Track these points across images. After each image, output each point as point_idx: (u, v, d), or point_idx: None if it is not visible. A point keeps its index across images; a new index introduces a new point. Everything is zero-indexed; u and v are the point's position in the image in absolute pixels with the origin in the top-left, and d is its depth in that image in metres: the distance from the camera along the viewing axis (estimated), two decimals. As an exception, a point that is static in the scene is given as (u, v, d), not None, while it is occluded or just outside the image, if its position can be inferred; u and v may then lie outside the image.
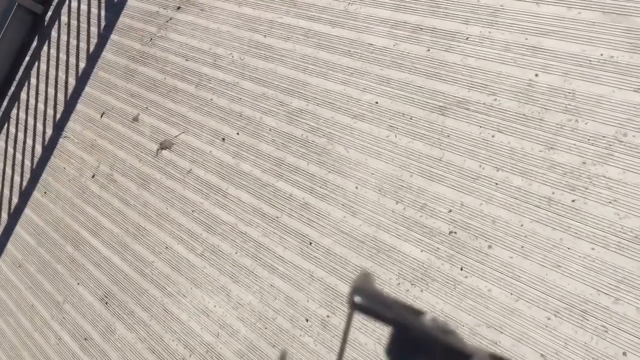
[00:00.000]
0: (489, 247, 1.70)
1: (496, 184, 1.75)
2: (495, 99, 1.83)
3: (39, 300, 3.01)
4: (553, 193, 1.64)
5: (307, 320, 1.99)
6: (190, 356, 2.26)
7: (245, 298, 2.18)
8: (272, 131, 2.35)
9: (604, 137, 1.61)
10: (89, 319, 2.70)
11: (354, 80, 2.18)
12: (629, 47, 1.65)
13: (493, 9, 1.93)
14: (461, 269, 1.73)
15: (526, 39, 1.83)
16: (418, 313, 0.62)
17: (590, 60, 1.70)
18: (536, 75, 1.78)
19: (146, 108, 2.92)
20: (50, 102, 3.55)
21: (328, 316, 1.94)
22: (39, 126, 3.55)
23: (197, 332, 2.26)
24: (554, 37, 1.79)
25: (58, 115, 3.45)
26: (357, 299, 0.63)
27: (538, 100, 1.75)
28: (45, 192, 3.28)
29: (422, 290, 1.78)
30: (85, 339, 2.67)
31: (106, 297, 2.66)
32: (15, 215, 3.42)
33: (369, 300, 0.62)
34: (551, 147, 1.69)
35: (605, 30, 1.70)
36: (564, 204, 1.62)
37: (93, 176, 3.03)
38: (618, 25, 1.68)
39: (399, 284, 1.83)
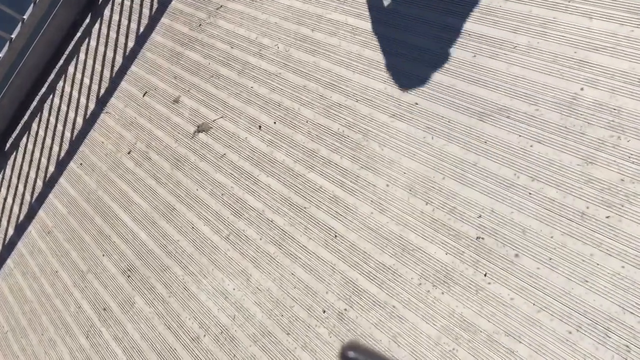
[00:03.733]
0: (516, 255, 1.68)
1: (530, 193, 1.73)
2: (537, 110, 1.81)
3: (63, 268, 3.06)
4: (587, 207, 1.62)
5: (324, 312, 1.99)
6: (204, 336, 2.27)
7: (264, 284, 2.19)
8: (308, 123, 2.36)
9: (645, 156, 1.58)
10: (110, 290, 2.74)
11: (395, 79, 2.18)
12: (681, 68, 1.62)
13: (544, 20, 1.92)
14: (485, 275, 1.71)
15: (575, 52, 1.81)
16: None
17: (639, 79, 1.67)
18: (582, 89, 1.76)
19: (188, 91, 2.96)
20: (96, 78, 3.63)
21: (345, 309, 1.93)
22: (83, 100, 3.63)
23: (214, 313, 2.28)
24: (604, 52, 1.76)
25: (102, 91, 3.52)
26: (351, 353, 0.65)
27: (581, 114, 1.73)
28: (81, 164, 3.35)
29: (443, 293, 1.76)
30: (104, 309, 2.71)
31: (129, 270, 2.70)
32: (50, 184, 3.49)
33: (362, 355, 0.63)
34: (590, 162, 1.66)
35: (657, 51, 1.68)
36: (597, 220, 1.59)
37: (129, 152, 3.08)
38: (671, 47, 1.65)
39: (420, 284, 1.82)
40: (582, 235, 1.60)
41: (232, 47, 2.87)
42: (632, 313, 1.46)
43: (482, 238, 1.76)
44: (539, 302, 1.59)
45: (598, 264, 1.55)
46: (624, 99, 1.67)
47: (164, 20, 3.37)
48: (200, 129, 2.78)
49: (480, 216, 1.79)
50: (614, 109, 1.67)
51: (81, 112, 3.59)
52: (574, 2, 1.88)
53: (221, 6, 3.06)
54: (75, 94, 3.74)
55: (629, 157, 1.60)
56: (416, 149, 2.02)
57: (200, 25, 3.12)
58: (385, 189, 2.04)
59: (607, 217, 1.58)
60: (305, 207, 2.22)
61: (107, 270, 2.81)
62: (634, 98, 1.65)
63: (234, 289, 2.27)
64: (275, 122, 2.48)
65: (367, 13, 2.39)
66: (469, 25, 2.08)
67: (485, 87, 1.95)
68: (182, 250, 2.52)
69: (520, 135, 1.82)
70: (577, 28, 1.84)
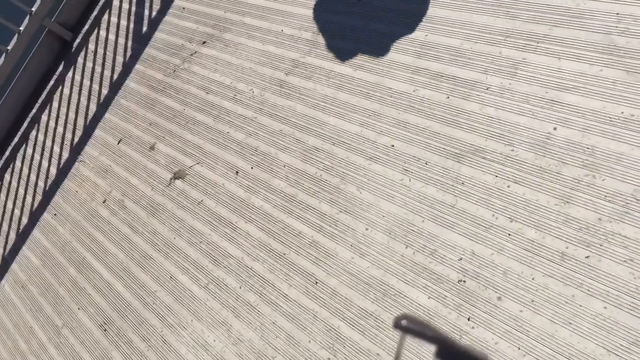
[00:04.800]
0: (499, 298, 1.66)
1: (509, 234, 1.72)
2: (512, 150, 1.82)
3: (38, 323, 2.97)
4: (567, 248, 1.61)
5: (307, 362, 1.94)
6: (184, 391, 2.20)
7: (245, 334, 2.13)
8: (286, 167, 2.35)
9: (621, 194, 1.59)
10: (87, 345, 2.65)
11: (371, 122, 2.18)
12: (650, 106, 1.64)
13: (515, 62, 1.95)
14: (468, 319, 1.69)
15: (546, 92, 1.84)
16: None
17: (610, 118, 1.69)
18: (555, 128, 1.77)
19: (163, 137, 2.94)
20: (70, 126, 3.60)
21: (329, 359, 1.89)
22: (56, 149, 3.58)
23: (194, 366, 2.21)
24: (574, 92, 1.79)
25: (76, 140, 3.48)
26: (404, 322, 0.78)
27: (556, 154, 1.74)
28: (55, 214, 3.29)
29: None
30: (80, 365, 2.62)
31: (105, 323, 2.62)
32: (23, 236, 3.41)
33: (414, 324, 0.76)
34: (567, 202, 1.66)
35: (627, 89, 1.70)
36: (577, 260, 1.59)
37: (104, 201, 3.03)
38: None
39: (403, 330, 1.79)
40: (563, 276, 1.59)
41: (207, 93, 2.87)
42: (616, 355, 1.44)
43: (464, 281, 1.74)
44: (524, 346, 1.57)
45: (580, 305, 1.53)
46: (597, 137, 1.69)
47: (138, 66, 3.37)
48: (177, 175, 2.75)
49: (461, 259, 1.78)
50: (588, 148, 1.69)
51: (55, 161, 3.54)
52: (543, 43, 1.91)
53: (195, 52, 3.07)
54: (48, 142, 3.69)
55: (605, 196, 1.61)
56: (394, 192, 2.02)
57: (174, 71, 3.12)
58: (365, 233, 2.02)
59: (587, 257, 1.57)
60: (284, 254, 2.19)
61: (83, 325, 2.72)
62: (606, 137, 1.67)
63: (214, 341, 2.21)
64: (252, 167, 2.47)
65: (341, 57, 2.41)
66: (441, 68, 2.10)
67: (460, 128, 1.96)
68: (160, 301, 2.46)
69: (496, 176, 1.82)
70: (547, 69, 1.87)
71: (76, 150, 3.43)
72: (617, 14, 1.80)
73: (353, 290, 1.95)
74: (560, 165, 1.72)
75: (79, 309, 2.80)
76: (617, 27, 1.79)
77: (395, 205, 1.99)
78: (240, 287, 2.24)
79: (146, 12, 3.55)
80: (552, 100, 1.82)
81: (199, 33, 3.12)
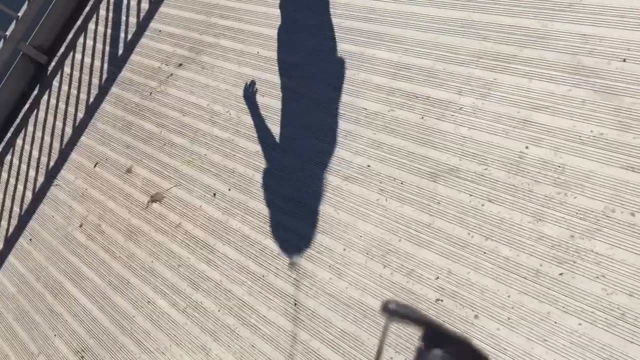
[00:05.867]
0: (475, 317, 1.67)
1: (484, 253, 1.74)
2: (486, 169, 1.85)
3: (13, 351, 2.91)
4: (541, 265, 1.63)
5: (286, 385, 1.93)
6: (163, 417, 2.17)
7: (225, 358, 2.12)
8: (263, 189, 2.35)
9: (592, 211, 1.62)
10: (63, 372, 2.61)
11: (346, 142, 2.20)
12: (618, 125, 1.68)
13: (486, 82, 1.98)
14: (447, 339, 1.70)
15: (518, 112, 1.87)
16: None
17: (580, 136, 1.73)
18: (527, 147, 1.80)
19: (140, 160, 2.92)
20: (45, 150, 3.56)
21: (309, 381, 1.88)
22: (32, 173, 3.54)
23: (173, 391, 2.19)
24: (545, 112, 1.82)
25: (51, 163, 3.45)
26: (392, 305, 0.95)
27: (528, 172, 1.77)
28: (30, 240, 3.24)
29: (406, 359, 1.74)
30: (57, 393, 2.58)
31: (82, 350, 2.58)
32: (-2, 261, 3.36)
33: (402, 309, 0.90)
34: (540, 219, 1.69)
35: (595, 108, 1.74)
36: (551, 277, 1.61)
37: (81, 225, 3.00)
38: (608, 104, 1.72)
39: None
40: (538, 293, 1.61)
41: (183, 115, 2.87)
42: (592, 371, 1.46)
43: (442, 300, 1.75)
44: (502, 364, 1.58)
45: (556, 322, 1.55)
46: (568, 156, 1.72)
47: (114, 89, 3.36)
48: (154, 198, 2.73)
49: (437, 278, 1.79)
50: (559, 167, 1.72)
51: (30, 185, 3.50)
52: (513, 63, 1.95)
53: (172, 74, 3.07)
54: (24, 167, 3.65)
55: (577, 213, 1.63)
56: (371, 212, 2.03)
57: (151, 93, 3.12)
58: (343, 253, 2.02)
59: (561, 274, 1.59)
60: (263, 276, 2.18)
61: (59, 352, 2.68)
62: (576, 155, 1.70)
63: (193, 365, 2.19)
64: (229, 189, 2.46)
65: (316, 78, 2.43)
66: (415, 88, 2.13)
67: (435, 148, 1.99)
68: (138, 326, 2.43)
69: (471, 195, 1.84)
70: (518, 89, 1.91)
71: (52, 174, 3.40)
72: (584, 34, 1.85)
73: (332, 311, 1.95)
74: (533, 184, 1.74)
75: (55, 335, 2.75)
76: (583, 47, 1.84)
77: (372, 225, 2.00)
78: (219, 311, 2.23)
79: (122, 35, 3.55)
80: (524, 119, 1.85)
81: (175, 55, 3.13)
